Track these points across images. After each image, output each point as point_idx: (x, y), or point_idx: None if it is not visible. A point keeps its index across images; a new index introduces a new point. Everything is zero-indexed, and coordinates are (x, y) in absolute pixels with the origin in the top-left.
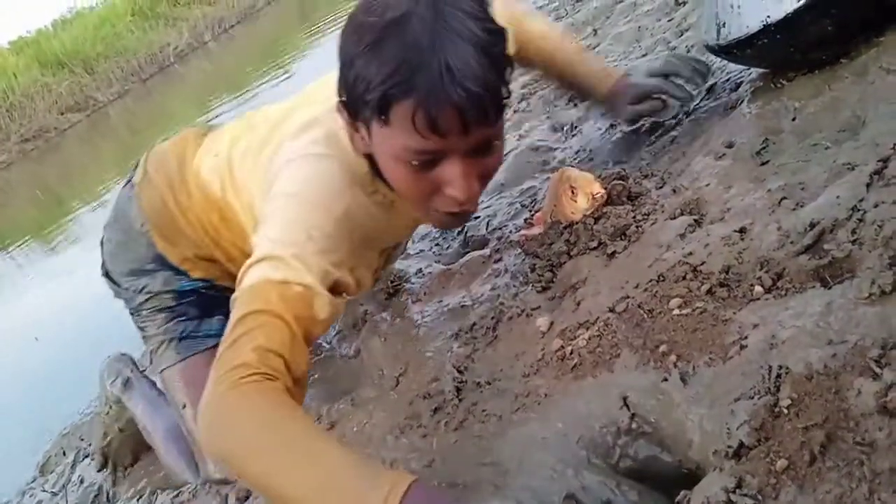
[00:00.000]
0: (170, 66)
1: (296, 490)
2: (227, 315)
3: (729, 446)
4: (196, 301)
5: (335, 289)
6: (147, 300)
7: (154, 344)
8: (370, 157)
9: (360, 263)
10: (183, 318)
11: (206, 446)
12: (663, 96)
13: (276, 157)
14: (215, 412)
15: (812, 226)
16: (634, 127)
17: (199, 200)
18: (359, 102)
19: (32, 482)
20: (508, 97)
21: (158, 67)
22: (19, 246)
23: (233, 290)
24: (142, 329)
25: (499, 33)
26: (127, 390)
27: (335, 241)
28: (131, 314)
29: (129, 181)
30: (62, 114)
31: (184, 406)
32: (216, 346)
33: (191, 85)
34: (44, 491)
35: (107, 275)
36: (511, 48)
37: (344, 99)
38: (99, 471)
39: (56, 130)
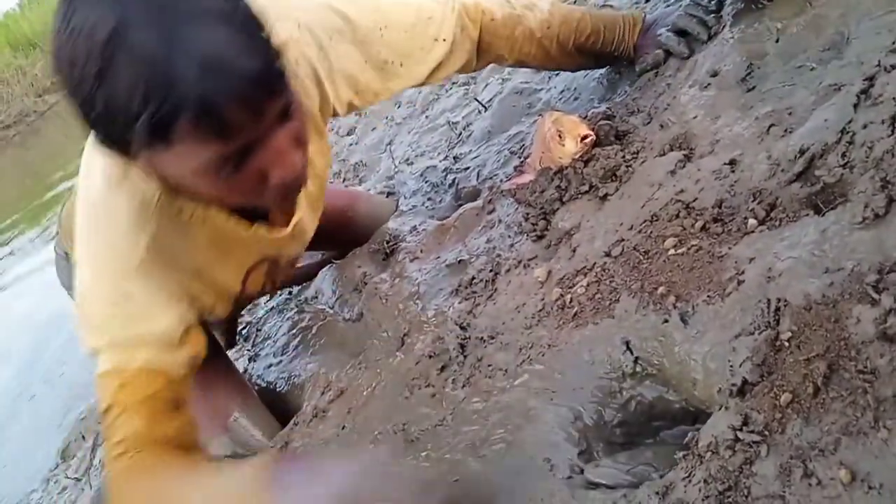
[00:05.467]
0: None
1: None
2: None
3: (733, 384)
4: None
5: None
6: None
7: None
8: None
9: (208, 288)
10: None
11: None
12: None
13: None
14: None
15: (802, 152)
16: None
17: None
18: (122, 140)
19: (55, 469)
20: (279, 55)
21: None
22: (13, 234)
23: None
24: None
25: None
26: None
27: (148, 291)
28: None
29: None
30: (40, 96)
31: None
32: None
33: None
34: (67, 478)
35: None
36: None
37: (102, 139)
38: None
39: (36, 114)
